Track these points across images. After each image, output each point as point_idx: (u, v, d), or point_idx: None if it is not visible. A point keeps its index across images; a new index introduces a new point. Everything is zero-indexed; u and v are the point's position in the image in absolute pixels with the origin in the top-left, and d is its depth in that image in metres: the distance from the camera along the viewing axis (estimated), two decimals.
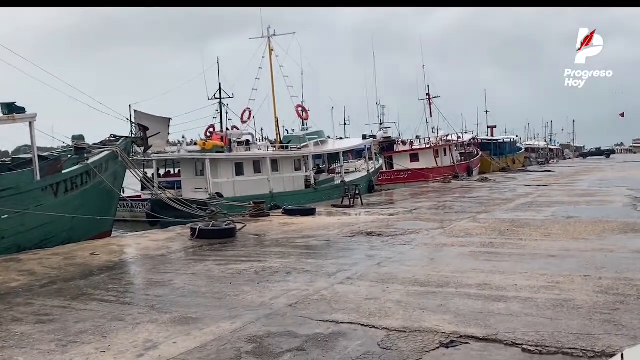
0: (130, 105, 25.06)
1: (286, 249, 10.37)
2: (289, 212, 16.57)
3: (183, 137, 20.16)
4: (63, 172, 12.36)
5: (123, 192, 25.39)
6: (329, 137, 35.88)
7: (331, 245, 10.67)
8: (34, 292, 7.41)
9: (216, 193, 18.82)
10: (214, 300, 6.53)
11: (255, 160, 21.47)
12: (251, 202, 16.76)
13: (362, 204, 20.25)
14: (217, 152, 19.91)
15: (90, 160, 13.41)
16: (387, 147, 39.63)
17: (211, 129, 27.48)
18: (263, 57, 24.63)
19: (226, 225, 12.79)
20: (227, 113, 28.81)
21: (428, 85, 44.80)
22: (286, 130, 31.89)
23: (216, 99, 28.41)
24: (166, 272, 8.51)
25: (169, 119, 25.42)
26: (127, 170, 17.00)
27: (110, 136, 15.82)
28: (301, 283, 7.22)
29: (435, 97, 44.70)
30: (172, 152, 20.39)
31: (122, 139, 15.85)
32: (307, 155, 24.01)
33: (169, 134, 24.94)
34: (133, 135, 17.14)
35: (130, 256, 10.04)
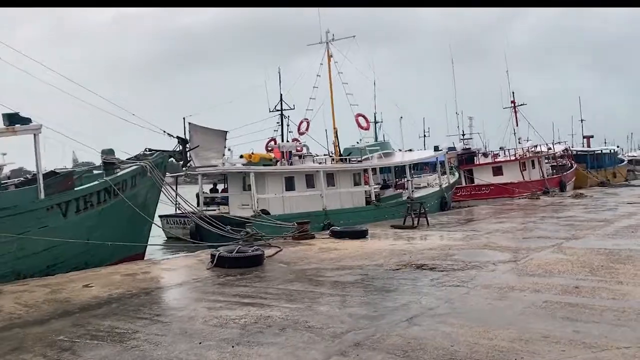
0: (184, 118, 24.23)
1: (308, 286, 8.35)
2: (337, 234, 14.52)
3: (229, 150, 18.81)
4: (76, 189, 11.15)
5: (178, 208, 24.74)
6: (399, 150, 33.54)
7: (365, 282, 8.51)
8: None
9: (261, 210, 17.17)
10: None
11: (308, 174, 19.61)
12: (294, 223, 14.88)
13: (427, 224, 17.77)
14: (265, 165, 18.30)
15: (111, 177, 12.15)
16: (466, 159, 36.40)
17: (272, 142, 26.13)
18: (321, 64, 22.96)
19: (253, 251, 10.98)
20: (287, 125, 27.41)
21: (513, 92, 40.95)
22: (357, 141, 29.95)
23: (277, 111, 27.09)
24: (142, 316, 6.79)
25: (225, 132, 24.37)
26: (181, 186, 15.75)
27: (145, 150, 14.62)
28: (287, 350, 5.17)
29: (521, 104, 40.74)
30: (216, 166, 19.06)
31: (157, 152, 14.60)
32: (368, 169, 21.82)
33: (225, 147, 23.87)
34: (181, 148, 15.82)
35: (122, 291, 8.45)
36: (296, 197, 19.02)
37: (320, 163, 22.03)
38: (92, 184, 11.64)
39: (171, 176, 21.75)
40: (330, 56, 22.95)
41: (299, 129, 24.12)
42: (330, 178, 20.46)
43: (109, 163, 13.26)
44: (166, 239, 24.11)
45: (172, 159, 15.35)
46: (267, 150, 24.07)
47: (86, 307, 7.50)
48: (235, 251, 10.87)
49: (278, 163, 21.76)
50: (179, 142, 15.32)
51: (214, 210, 22.37)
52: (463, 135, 46.29)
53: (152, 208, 14.70)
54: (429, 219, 19.02)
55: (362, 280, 8.69)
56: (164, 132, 14.95)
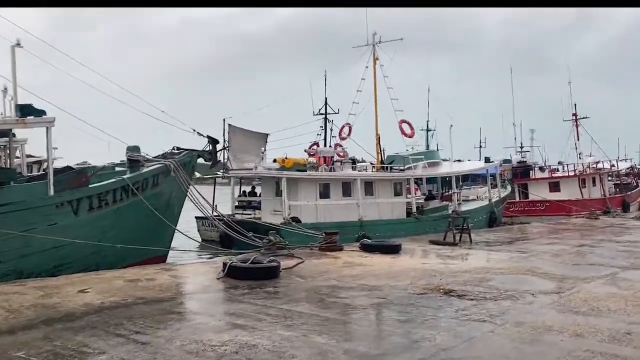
0: (224, 120, 23.85)
1: (315, 308, 7.46)
2: (367, 248, 13.53)
3: (263, 151, 17.99)
4: (90, 186, 10.73)
5: (216, 208, 24.35)
6: (453, 160, 31.99)
7: (380, 308, 7.54)
8: None
9: (292, 218, 16.38)
10: None
11: (345, 182, 18.65)
12: (323, 232, 14.01)
13: (470, 241, 16.47)
14: (298, 170, 17.49)
15: (129, 175, 11.69)
16: (521, 173, 34.42)
17: (315, 147, 25.42)
18: (367, 66, 21.95)
19: (268, 261, 10.21)
20: (331, 130, 26.65)
21: (575, 104, 38.45)
22: (407, 149, 28.78)
23: (321, 114, 26.38)
24: (120, 333, 6.11)
25: (266, 134, 23.82)
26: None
27: (173, 148, 14.19)
28: None
29: (583, 117, 38.22)
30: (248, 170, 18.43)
31: (185, 152, 14.13)
32: (410, 179, 20.58)
33: (264, 150, 23.32)
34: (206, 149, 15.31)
35: (116, 299, 7.85)
36: (331, 205, 18.14)
37: (360, 170, 21.10)
38: (108, 181, 11.21)
39: (210, 177, 21.32)
40: (376, 59, 21.95)
41: (340, 134, 23.24)
42: (369, 187, 19.46)
43: (134, 160, 12.88)
44: (201, 241, 23.84)
45: (201, 159, 14.88)
46: (309, 155, 23.38)
47: (70, 316, 6.93)
48: (250, 261, 10.15)
49: (319, 169, 21.00)
50: (209, 142, 14.83)
51: (250, 214, 21.84)
52: (521, 147, 44.21)
53: (177, 209, 14.22)
54: (473, 235, 17.78)
55: (378, 304, 7.73)
56: (194, 130, 14.50)
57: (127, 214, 11.56)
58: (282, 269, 10.64)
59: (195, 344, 5.68)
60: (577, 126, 38.43)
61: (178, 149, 14.25)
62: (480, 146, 49.53)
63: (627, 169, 40.46)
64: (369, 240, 13.77)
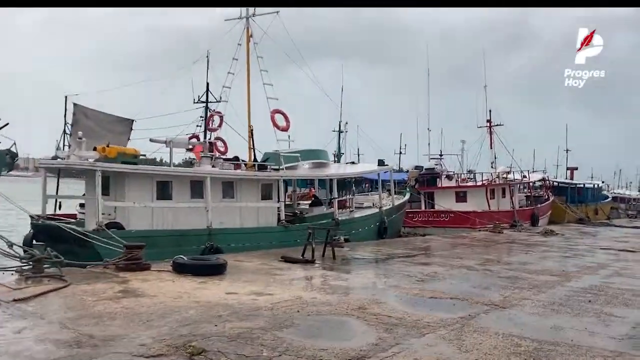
0: (66, 97, 19.92)
1: None
2: (179, 268, 10.26)
3: (80, 138, 14.13)
4: None
5: (60, 207, 20.31)
6: (354, 162, 29.32)
7: None
8: None
9: (109, 223, 12.86)
10: None
11: (195, 180, 15.27)
12: (125, 246, 10.59)
13: (334, 257, 13.64)
14: (125, 163, 13.90)
15: None
16: (428, 181, 32.30)
17: (194, 139, 21.91)
18: (239, 44, 18.65)
19: None
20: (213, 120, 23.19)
21: (490, 110, 36.93)
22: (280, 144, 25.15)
23: (202, 102, 22.88)
24: None
25: (132, 120, 20.13)
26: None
27: None
28: None
29: (497, 124, 36.74)
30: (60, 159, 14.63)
31: None
32: (279, 180, 17.34)
33: (129, 139, 19.66)
34: None
35: None
36: (173, 209, 14.71)
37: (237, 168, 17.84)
38: None
39: (45, 166, 17.20)
40: (250, 36, 18.68)
41: (207, 125, 19.81)
42: (229, 188, 16.19)
43: None
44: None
45: None
46: (187, 149, 19.87)
47: None
48: None
49: (195, 165, 17.65)
50: None
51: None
52: (441, 155, 42.63)
53: None
54: (348, 249, 15.22)
55: None
56: None
57: None
58: (15, 300, 7.37)
59: None
60: (490, 134, 36.98)
61: None
62: (400, 152, 47.74)
63: (539, 180, 39.49)
64: (184, 258, 10.47)
